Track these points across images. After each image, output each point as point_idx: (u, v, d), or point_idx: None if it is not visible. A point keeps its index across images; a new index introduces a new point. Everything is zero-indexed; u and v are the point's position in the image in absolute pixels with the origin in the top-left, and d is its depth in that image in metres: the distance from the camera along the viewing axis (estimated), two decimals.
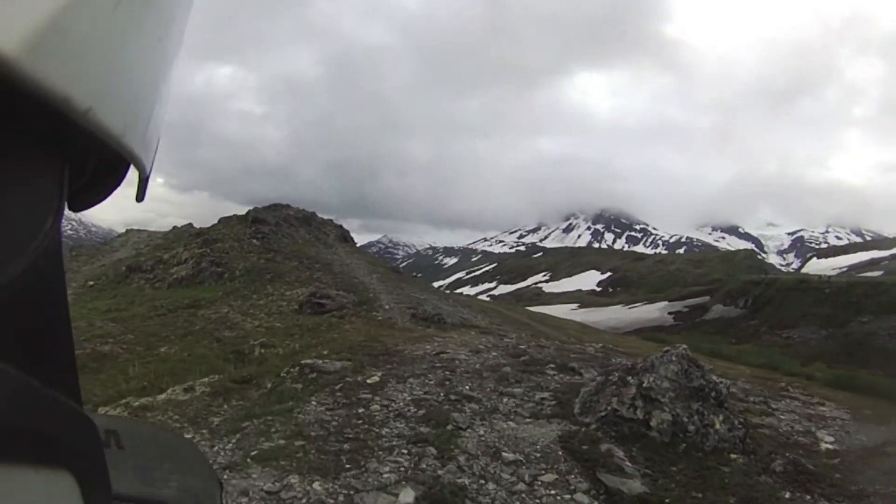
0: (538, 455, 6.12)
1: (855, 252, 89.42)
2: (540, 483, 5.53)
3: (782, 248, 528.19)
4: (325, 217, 34.09)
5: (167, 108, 0.50)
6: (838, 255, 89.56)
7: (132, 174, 0.47)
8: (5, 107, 0.31)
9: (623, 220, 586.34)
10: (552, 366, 10.03)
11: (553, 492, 5.39)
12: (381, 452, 5.87)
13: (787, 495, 5.59)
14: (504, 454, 6.04)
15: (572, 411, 7.36)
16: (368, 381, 8.33)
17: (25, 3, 0.29)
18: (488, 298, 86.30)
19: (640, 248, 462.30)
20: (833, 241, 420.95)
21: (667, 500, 5.32)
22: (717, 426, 6.69)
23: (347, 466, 5.51)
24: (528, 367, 9.84)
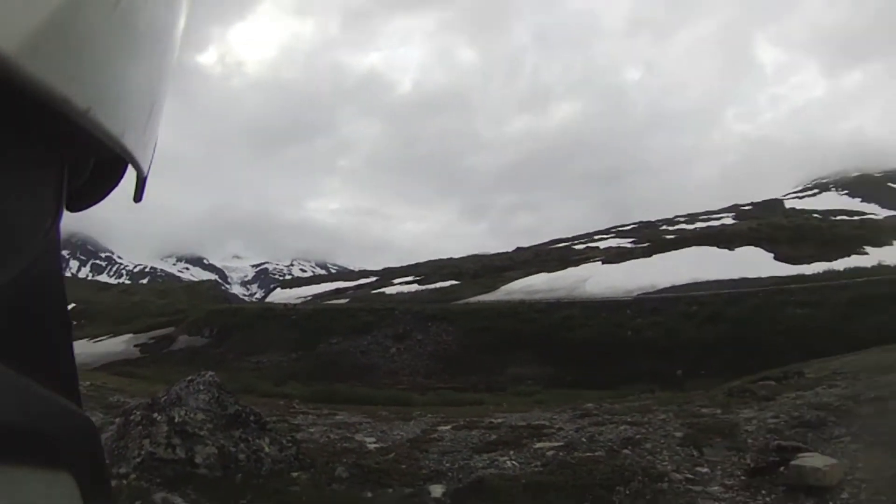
0: None
1: (320, 283, 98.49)
2: None
3: (246, 280, 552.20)
4: None
5: (165, 108, 0.51)
6: (302, 285, 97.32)
7: (131, 174, 0.49)
8: (5, 107, 0.31)
9: (90, 247, 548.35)
10: None
11: None
12: None
13: (369, 494, 5.75)
14: None
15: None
16: None
17: (25, 3, 0.29)
18: None
19: (104, 278, 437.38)
20: (297, 273, 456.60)
21: None
22: (267, 449, 6.49)
23: None
24: None
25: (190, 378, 7.09)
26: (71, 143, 0.36)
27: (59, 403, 0.38)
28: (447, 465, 6.52)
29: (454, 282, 67.04)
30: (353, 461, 6.46)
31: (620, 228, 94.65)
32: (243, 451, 6.30)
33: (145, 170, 0.47)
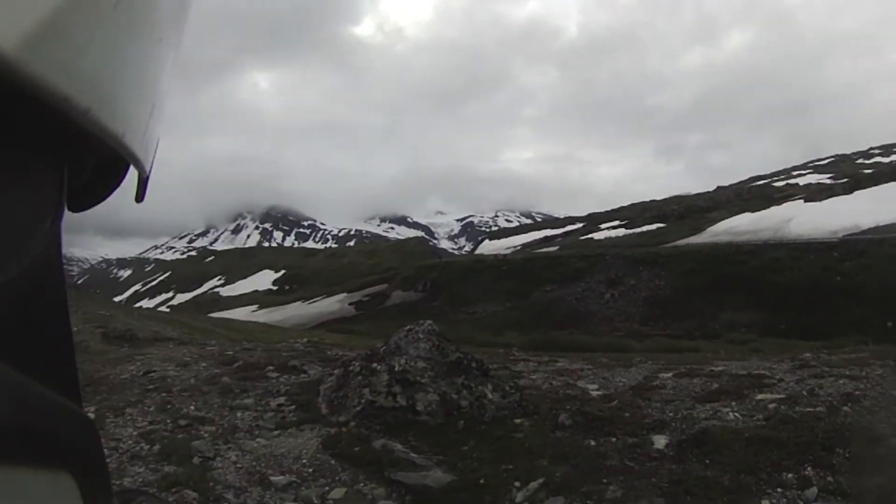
0: (310, 470, 5.41)
1: (527, 232, 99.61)
2: (332, 502, 4.86)
3: (453, 234, 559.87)
4: None
5: (167, 108, 0.50)
6: (510, 235, 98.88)
7: (132, 174, 0.48)
8: (5, 107, 0.31)
9: (291, 218, 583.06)
10: (271, 367, 9.26)
11: None
12: None
13: (592, 443, 5.58)
14: (273, 478, 5.21)
15: (320, 413, 6.69)
16: None
17: (25, 3, 0.29)
18: (168, 309, 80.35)
19: (310, 244, 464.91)
20: (503, 224, 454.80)
21: (481, 481, 4.94)
22: (490, 395, 6.43)
23: None
24: (246, 374, 8.94)
25: (409, 327, 7.12)
26: (71, 142, 0.36)
27: (59, 403, 0.38)
28: (670, 414, 6.39)
29: (659, 224, 66.22)
30: (577, 408, 6.36)
31: (817, 163, 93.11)
32: (466, 397, 6.28)
33: (147, 169, 0.48)
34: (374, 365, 6.62)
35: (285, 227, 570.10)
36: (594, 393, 7.52)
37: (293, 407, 7.05)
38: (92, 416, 6.89)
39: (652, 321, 36.85)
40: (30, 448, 0.34)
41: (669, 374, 8.39)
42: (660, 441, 5.61)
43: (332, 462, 5.53)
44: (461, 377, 6.52)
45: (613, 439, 5.67)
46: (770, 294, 35.11)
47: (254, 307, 75.20)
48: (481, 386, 6.49)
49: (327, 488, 5.06)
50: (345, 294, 66.46)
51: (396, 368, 6.43)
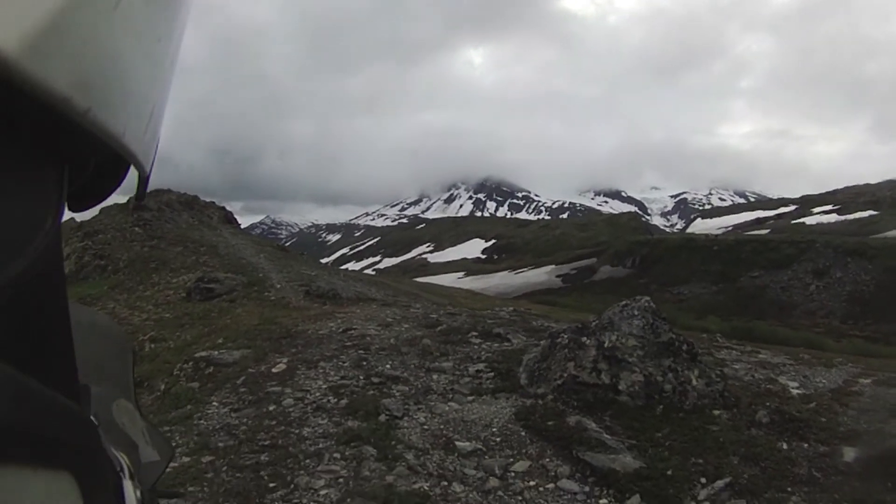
0: (498, 440, 5.19)
1: (740, 212, 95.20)
2: (513, 474, 4.62)
3: (666, 210, 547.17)
4: (208, 200, 32.09)
5: (167, 108, 0.51)
6: (722, 215, 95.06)
7: (132, 174, 0.48)
8: (5, 107, 0.31)
9: (505, 189, 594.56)
10: (474, 334, 9.12)
11: (532, 483, 4.51)
12: (308, 461, 4.73)
13: (784, 446, 5.22)
14: (458, 444, 5.06)
15: (518, 383, 6.49)
16: (274, 370, 7.15)
17: (25, 3, 0.29)
18: (374, 272, 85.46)
19: (523, 215, 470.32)
20: (716, 203, 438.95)
21: (668, 472, 4.59)
22: (695, 382, 6.00)
23: (272, 486, 4.34)
24: (448, 338, 8.90)
25: (624, 303, 6.79)
26: (71, 143, 0.36)
27: (59, 403, 0.38)
28: (864, 425, 5.95)
29: (872, 211, 61.30)
30: (775, 406, 6.03)
31: None
32: (670, 381, 5.93)
33: (147, 169, 0.48)
34: (584, 339, 6.32)
35: (499, 198, 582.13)
36: (794, 391, 7.05)
37: (491, 374, 6.91)
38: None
39: (852, 319, 35.23)
40: (30, 448, 0.34)
41: (868, 380, 7.80)
42: (849, 453, 5.24)
43: (522, 434, 5.29)
44: (669, 359, 6.11)
45: (805, 445, 5.32)
46: None
47: (460, 274, 77.74)
48: (687, 371, 6.09)
49: (511, 460, 4.84)
50: (553, 266, 66.89)
51: (606, 344, 6.13)
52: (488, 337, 8.96)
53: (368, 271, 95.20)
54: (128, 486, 0.97)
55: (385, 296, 18.19)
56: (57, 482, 0.37)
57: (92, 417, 0.98)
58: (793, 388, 7.22)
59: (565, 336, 6.60)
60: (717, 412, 5.78)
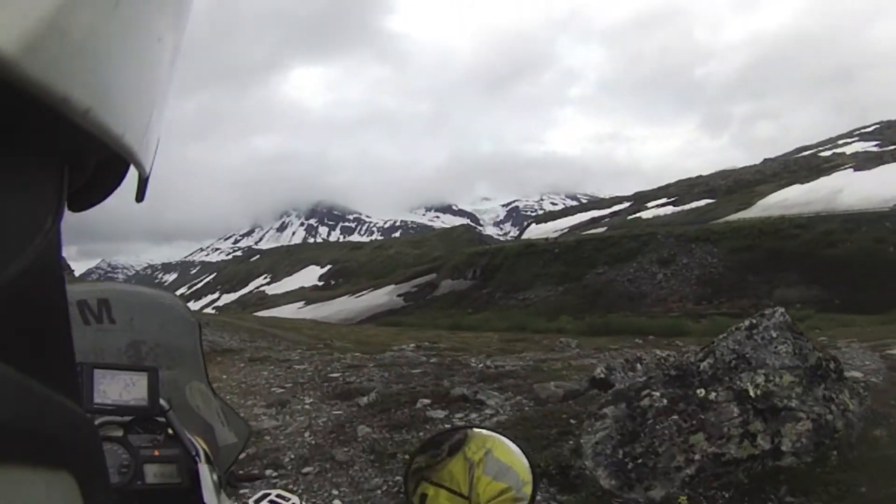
0: None
1: (574, 214, 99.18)
2: None
3: (498, 220, 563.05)
4: None
5: (167, 108, 0.51)
6: (556, 218, 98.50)
7: (132, 174, 0.49)
8: (5, 107, 0.31)
9: (336, 212, 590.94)
10: (425, 402, 7.16)
11: None
12: None
13: None
14: None
15: (598, 485, 4.55)
16: None
17: (25, 3, 0.30)
18: (214, 311, 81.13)
19: (355, 238, 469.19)
20: (548, 208, 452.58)
21: None
22: (850, 406, 4.73)
23: None
24: (392, 418, 6.84)
25: (750, 321, 5.22)
26: (71, 143, 0.36)
27: (59, 403, 0.37)
28: None
29: (708, 200, 66.90)
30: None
31: (863, 130, 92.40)
32: (836, 415, 4.55)
33: (147, 169, 0.47)
34: (701, 392, 4.64)
35: (330, 223, 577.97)
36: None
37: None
38: None
39: (706, 300, 36.81)
40: (30, 448, 0.34)
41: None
42: None
43: None
44: (821, 386, 4.75)
45: None
46: (824, 268, 35.27)
47: (300, 304, 75.49)
48: (842, 395, 4.82)
49: None
50: (392, 286, 66.34)
51: (752, 392, 4.52)
52: (452, 404, 7.06)
53: (209, 310, 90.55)
54: (204, 470, 1.03)
55: (242, 342, 16.40)
56: (57, 482, 0.37)
57: (163, 402, 1.09)
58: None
59: (657, 393, 4.82)
60: (876, 433, 4.70)
